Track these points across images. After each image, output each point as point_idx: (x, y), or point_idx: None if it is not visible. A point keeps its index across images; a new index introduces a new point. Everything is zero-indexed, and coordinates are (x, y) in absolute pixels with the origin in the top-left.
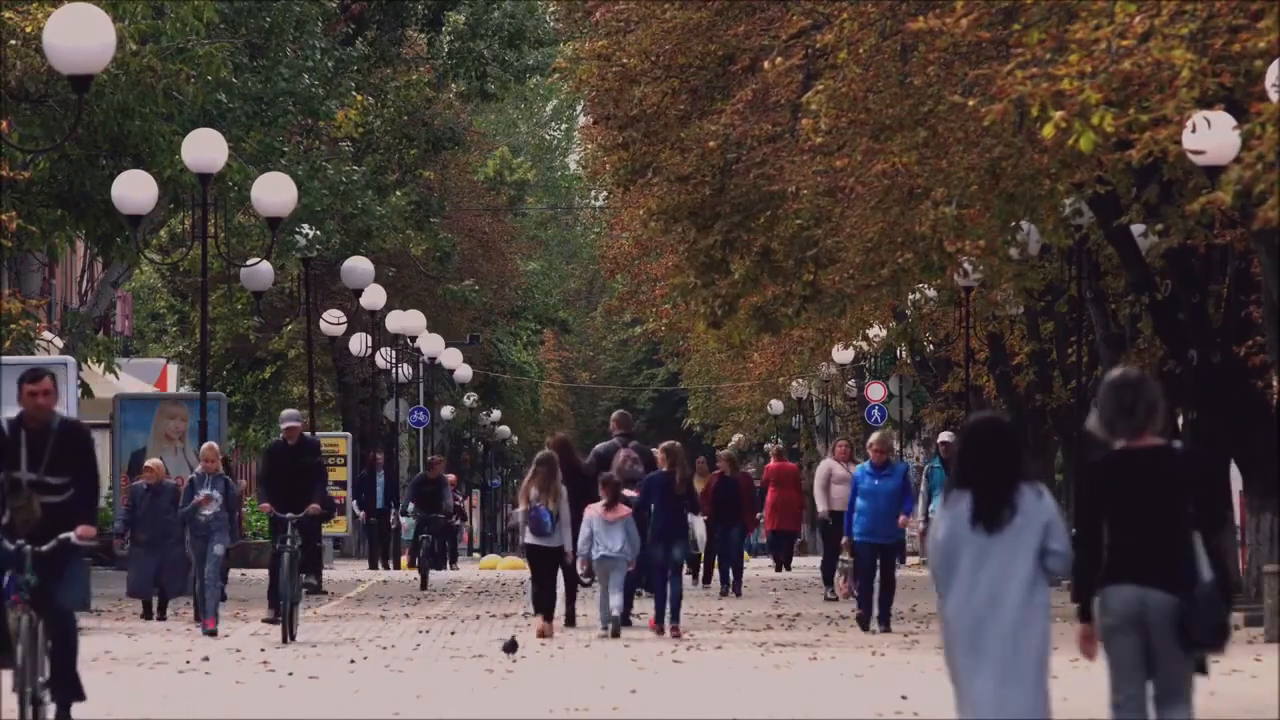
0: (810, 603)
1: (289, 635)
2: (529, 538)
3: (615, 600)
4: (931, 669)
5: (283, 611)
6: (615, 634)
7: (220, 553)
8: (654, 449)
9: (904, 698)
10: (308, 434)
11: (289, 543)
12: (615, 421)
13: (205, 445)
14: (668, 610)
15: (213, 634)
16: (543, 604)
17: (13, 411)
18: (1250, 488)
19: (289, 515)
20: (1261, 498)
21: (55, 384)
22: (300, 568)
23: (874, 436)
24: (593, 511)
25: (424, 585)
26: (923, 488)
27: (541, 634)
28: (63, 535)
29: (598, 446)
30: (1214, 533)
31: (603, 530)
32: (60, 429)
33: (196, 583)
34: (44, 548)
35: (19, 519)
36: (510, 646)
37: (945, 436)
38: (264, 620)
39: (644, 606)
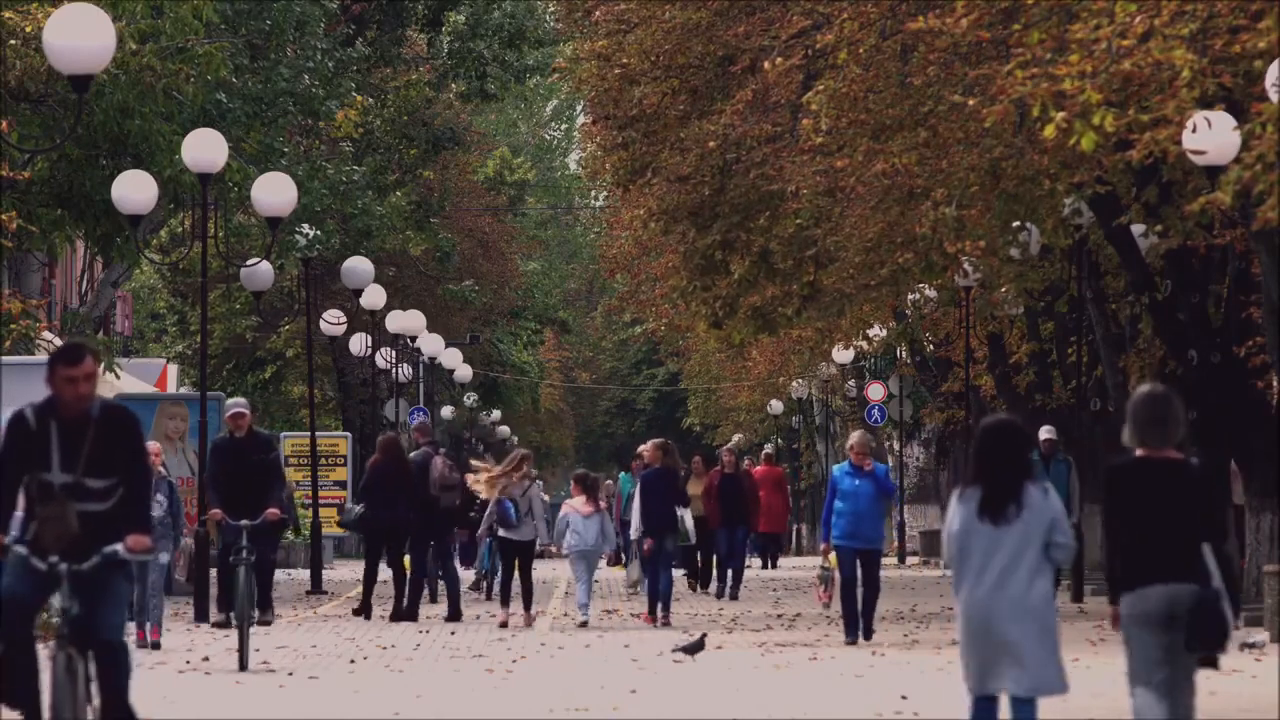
0: (810, 603)
1: (244, 661)
2: (500, 530)
3: (582, 592)
4: (931, 669)
5: (239, 633)
6: (583, 625)
7: (165, 561)
8: (642, 446)
9: (904, 698)
10: (260, 429)
11: (244, 554)
12: (417, 431)
13: None
14: (660, 603)
15: (157, 645)
16: (507, 594)
17: (26, 402)
18: (1250, 488)
19: (243, 522)
20: (1261, 498)
21: (97, 365)
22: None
23: (854, 438)
24: (570, 506)
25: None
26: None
27: (504, 624)
28: (108, 549)
29: (414, 454)
30: (1222, 543)
31: (579, 524)
32: (101, 418)
33: (135, 590)
34: (84, 565)
35: (50, 533)
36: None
37: (1045, 433)
38: (214, 624)
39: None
